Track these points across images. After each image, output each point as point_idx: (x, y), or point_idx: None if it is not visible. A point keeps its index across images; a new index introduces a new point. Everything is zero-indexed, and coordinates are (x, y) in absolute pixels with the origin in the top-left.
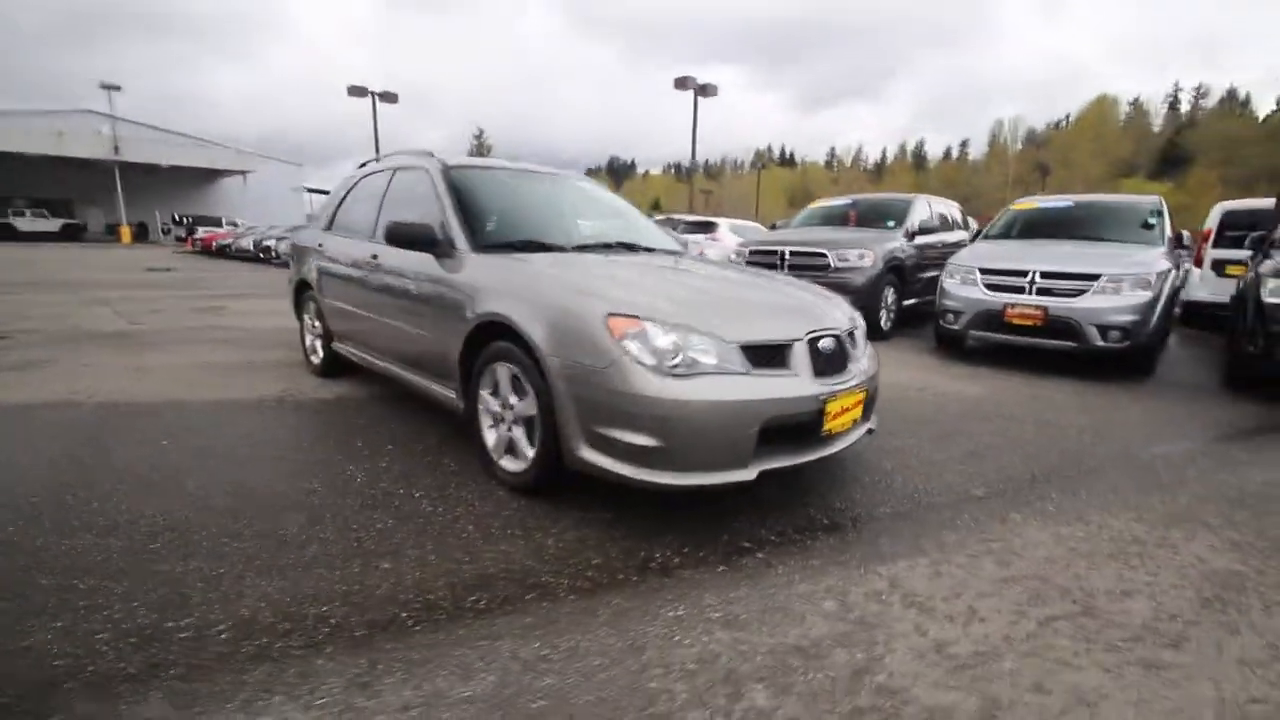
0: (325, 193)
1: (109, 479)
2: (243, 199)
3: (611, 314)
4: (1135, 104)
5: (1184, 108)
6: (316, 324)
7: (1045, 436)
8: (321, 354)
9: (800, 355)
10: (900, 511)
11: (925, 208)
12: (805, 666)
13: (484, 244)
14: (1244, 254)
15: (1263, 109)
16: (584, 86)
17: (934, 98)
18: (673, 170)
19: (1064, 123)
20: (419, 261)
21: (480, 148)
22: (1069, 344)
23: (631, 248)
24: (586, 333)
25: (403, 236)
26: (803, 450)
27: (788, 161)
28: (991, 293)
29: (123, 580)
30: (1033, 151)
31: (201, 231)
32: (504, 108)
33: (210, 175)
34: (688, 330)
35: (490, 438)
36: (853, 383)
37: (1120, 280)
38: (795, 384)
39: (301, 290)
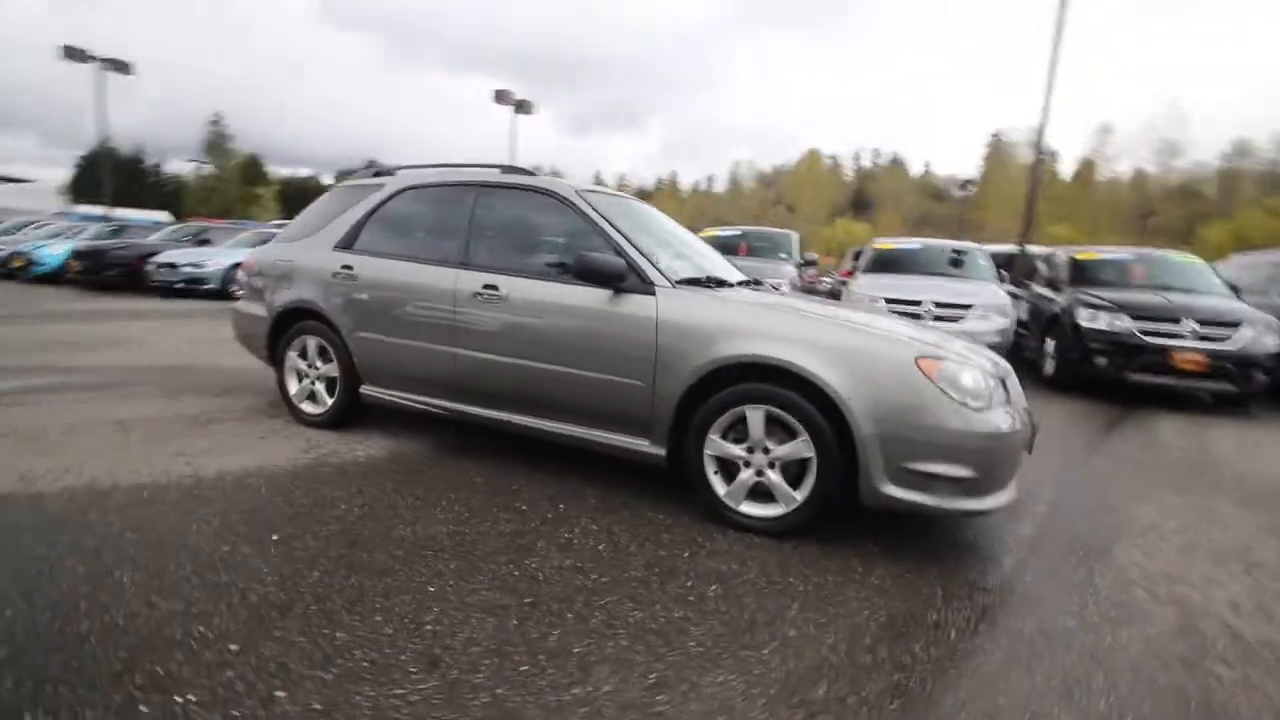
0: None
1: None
2: None
3: (921, 356)
4: (834, 158)
5: (865, 163)
6: (319, 365)
7: None
8: (331, 401)
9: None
10: None
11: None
12: None
13: (679, 279)
14: None
15: (914, 169)
16: (338, 82)
17: (683, 134)
18: None
19: (784, 167)
20: (585, 297)
21: (218, 136)
22: None
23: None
24: (899, 374)
25: (593, 271)
26: None
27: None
28: None
29: None
30: (763, 190)
31: None
32: (245, 93)
33: None
34: (977, 367)
35: (721, 484)
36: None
37: (989, 308)
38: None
39: (286, 325)
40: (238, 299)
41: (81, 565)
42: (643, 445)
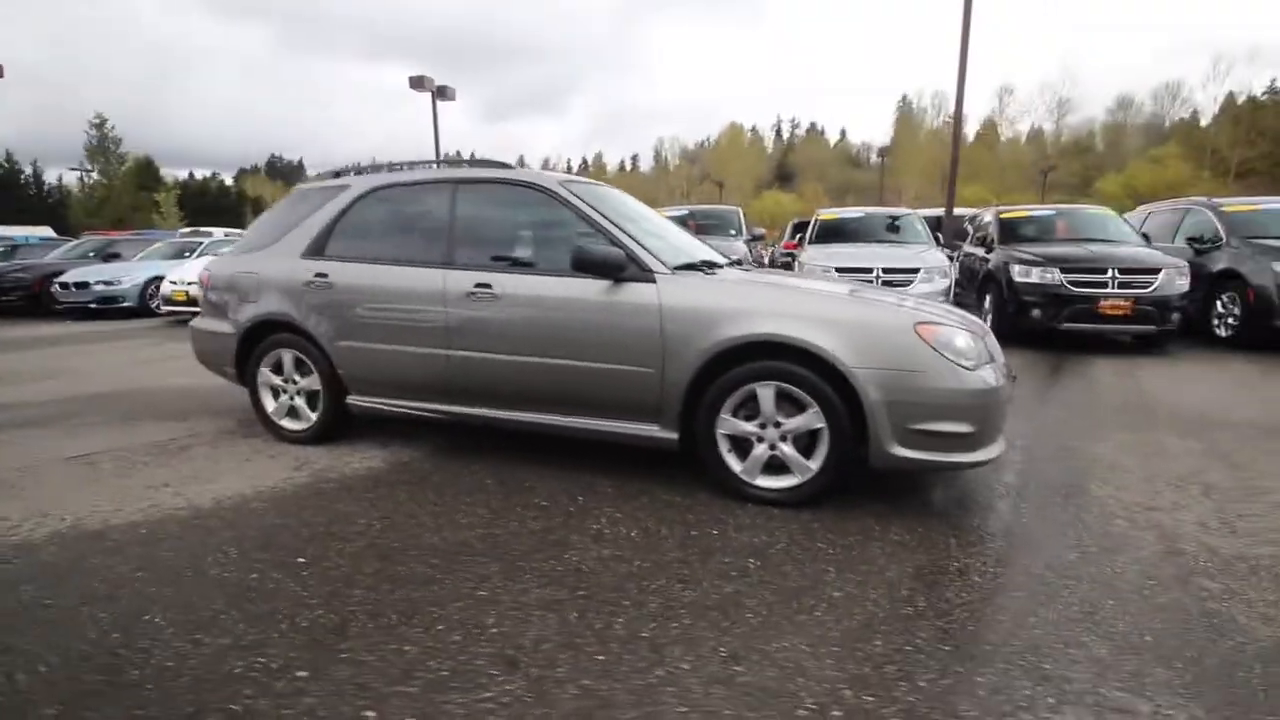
0: None
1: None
2: None
3: (919, 322)
4: (754, 131)
5: (785, 135)
6: (298, 379)
7: None
8: (316, 415)
9: None
10: None
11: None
12: None
13: (675, 264)
14: None
15: (832, 138)
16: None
17: (607, 114)
18: None
19: (707, 143)
20: (583, 289)
21: (103, 140)
22: None
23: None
24: (900, 342)
25: (593, 262)
26: None
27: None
28: None
29: None
30: (687, 167)
31: None
32: (132, 93)
33: None
34: (966, 328)
35: (735, 461)
36: None
37: (932, 270)
38: None
39: (256, 339)
40: (193, 315)
41: (102, 612)
42: (653, 431)
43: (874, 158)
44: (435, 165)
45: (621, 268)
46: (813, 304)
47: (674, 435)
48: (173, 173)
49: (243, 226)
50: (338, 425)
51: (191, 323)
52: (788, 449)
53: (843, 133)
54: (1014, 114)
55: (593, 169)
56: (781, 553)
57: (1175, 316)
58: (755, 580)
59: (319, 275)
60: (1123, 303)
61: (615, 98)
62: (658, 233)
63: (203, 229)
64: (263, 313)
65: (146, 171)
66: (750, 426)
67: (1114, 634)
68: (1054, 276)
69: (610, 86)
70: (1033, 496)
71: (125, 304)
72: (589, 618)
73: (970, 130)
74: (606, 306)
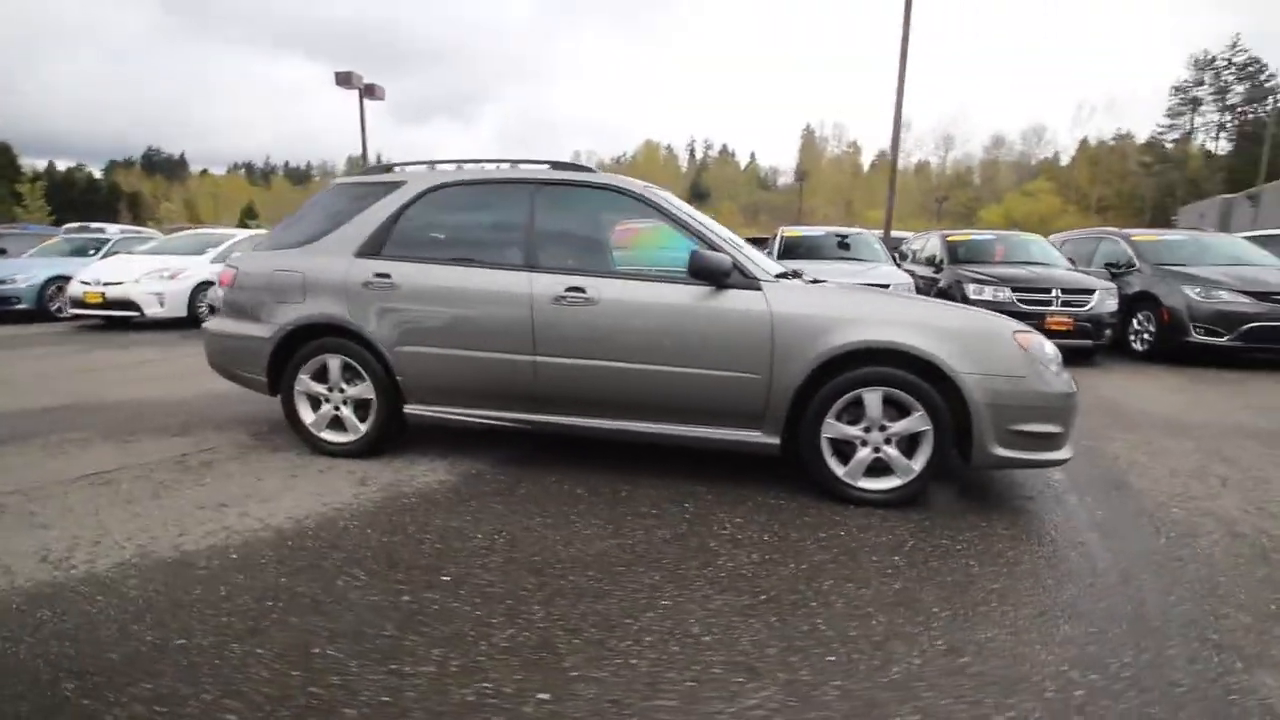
0: None
1: None
2: None
3: (1017, 331)
4: (670, 149)
5: (699, 155)
6: (345, 387)
7: None
8: (366, 426)
9: None
10: None
11: None
12: None
13: (776, 272)
14: None
15: (742, 160)
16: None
17: (520, 124)
18: (243, 170)
19: (624, 158)
20: (685, 295)
21: None
22: None
23: None
24: (1001, 348)
25: (707, 269)
26: None
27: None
28: None
29: None
30: None
31: None
32: None
33: None
34: (1044, 338)
35: (837, 465)
36: None
37: (900, 286)
38: None
39: (295, 345)
40: (208, 318)
41: (259, 648)
42: (755, 436)
43: (781, 180)
44: (497, 166)
45: (728, 274)
46: (918, 312)
47: (776, 440)
48: (31, 162)
49: (117, 222)
50: (388, 437)
51: (207, 325)
52: (892, 451)
53: (752, 155)
54: (910, 147)
55: None
56: (917, 550)
57: (1108, 332)
58: (914, 576)
59: (379, 276)
60: (1065, 319)
61: (529, 108)
62: (736, 240)
63: (93, 224)
64: (308, 315)
65: (2, 158)
66: (855, 430)
67: (1245, 604)
68: (1005, 295)
69: (524, 96)
70: (1089, 491)
71: (20, 305)
72: (788, 621)
73: (866, 160)
74: (712, 312)
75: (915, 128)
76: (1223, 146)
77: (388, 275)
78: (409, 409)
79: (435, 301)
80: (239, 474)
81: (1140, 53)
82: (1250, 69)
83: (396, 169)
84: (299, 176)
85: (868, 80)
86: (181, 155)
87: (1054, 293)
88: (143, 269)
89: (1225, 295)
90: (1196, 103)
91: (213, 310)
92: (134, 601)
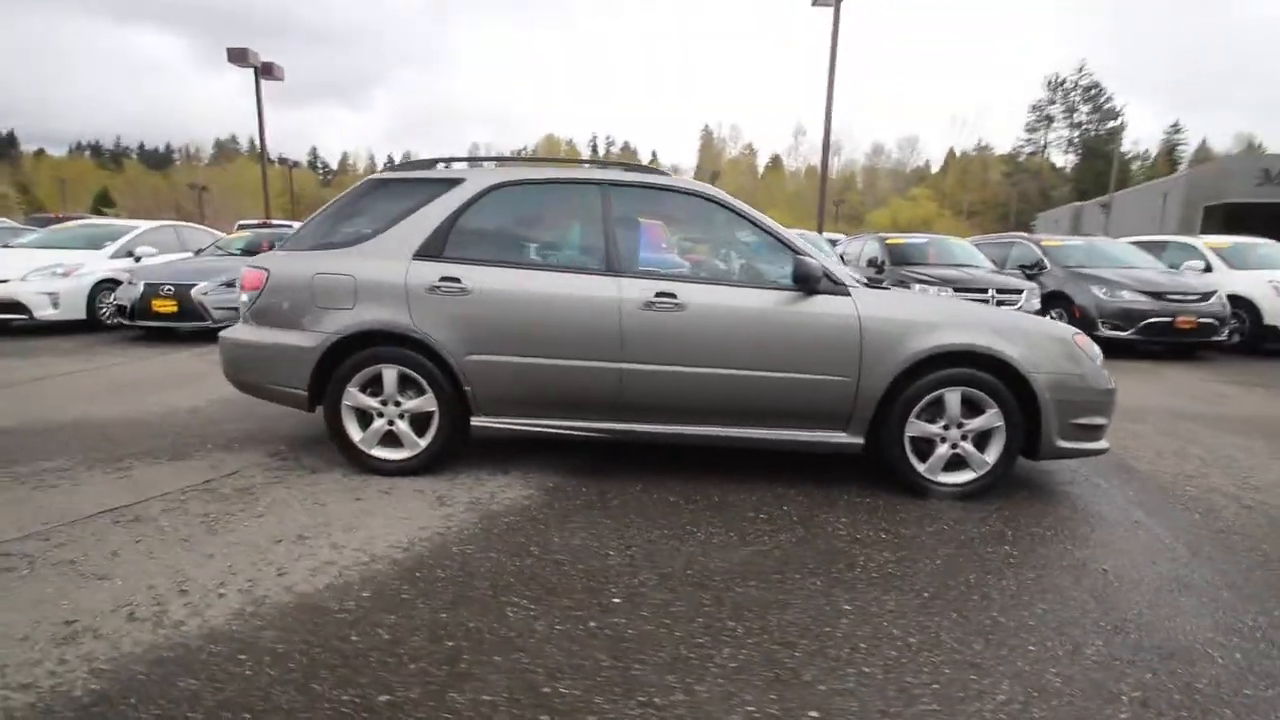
0: None
1: None
2: None
3: (1075, 334)
4: (571, 144)
5: (601, 152)
6: (401, 400)
7: None
8: (426, 441)
9: None
10: None
11: None
12: None
13: (867, 280)
14: None
15: (644, 158)
16: None
17: (415, 111)
18: (88, 152)
19: (525, 151)
20: (774, 300)
21: None
22: None
23: None
24: (1065, 350)
25: (809, 275)
26: None
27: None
28: None
29: None
30: None
31: None
32: None
33: None
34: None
35: (918, 461)
36: None
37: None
38: None
39: (341, 355)
40: (223, 325)
41: (485, 694)
42: (840, 437)
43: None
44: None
45: (819, 280)
46: (993, 316)
47: (860, 440)
48: None
49: None
50: (448, 453)
51: (227, 334)
52: (969, 447)
53: (654, 154)
54: (806, 152)
55: None
56: (1017, 539)
57: None
58: (1034, 564)
59: (447, 280)
60: None
61: (424, 95)
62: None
63: None
64: (362, 322)
65: None
66: (935, 428)
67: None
68: (948, 294)
69: (419, 82)
70: (1104, 475)
71: None
72: (970, 615)
73: (760, 163)
74: (803, 317)
75: (810, 135)
76: (1070, 160)
77: (456, 279)
78: (477, 421)
79: (514, 307)
80: (294, 501)
81: (1008, 71)
82: (1093, 92)
83: (440, 165)
84: (157, 160)
85: (762, 84)
86: (10, 133)
87: (990, 293)
88: (27, 265)
89: (1127, 295)
90: (1050, 120)
91: (205, 313)
92: (290, 657)
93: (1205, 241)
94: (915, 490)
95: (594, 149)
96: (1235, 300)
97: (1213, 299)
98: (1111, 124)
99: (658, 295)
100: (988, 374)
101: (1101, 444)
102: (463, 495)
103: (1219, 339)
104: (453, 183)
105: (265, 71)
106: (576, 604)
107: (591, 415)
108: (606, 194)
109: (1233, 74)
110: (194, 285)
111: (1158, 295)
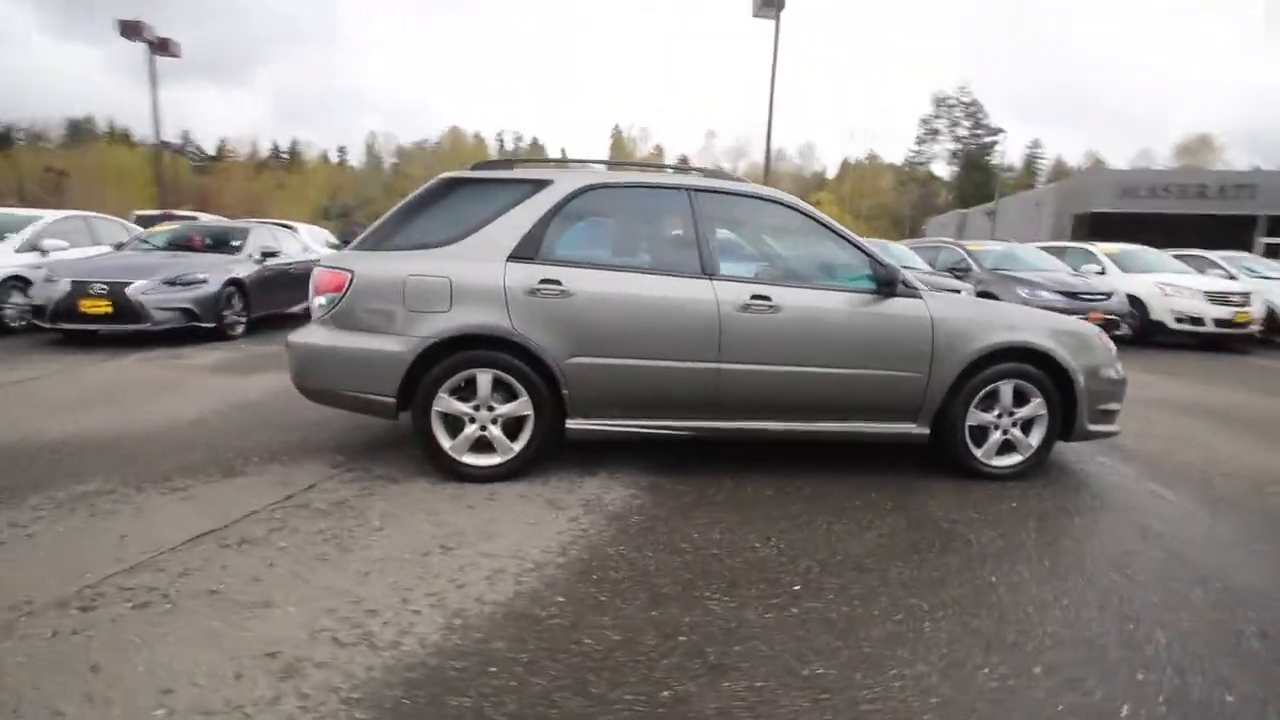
0: None
1: None
2: None
3: (1099, 333)
4: (478, 137)
5: (509, 147)
6: (495, 405)
7: None
8: (520, 446)
9: None
10: None
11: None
12: None
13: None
14: None
15: (553, 156)
16: None
17: (303, 95)
18: None
19: (426, 144)
20: (855, 302)
21: None
22: None
23: None
24: (1094, 344)
25: (887, 279)
26: None
27: (122, 139)
28: None
29: None
30: (406, 165)
31: None
32: None
33: None
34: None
35: (975, 449)
36: None
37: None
38: None
39: (437, 358)
40: (297, 331)
41: (750, 680)
42: (910, 428)
43: None
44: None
45: (898, 284)
46: (1037, 317)
47: (927, 430)
48: None
49: None
50: (541, 457)
51: (299, 338)
52: (1018, 433)
53: (563, 152)
54: (717, 155)
55: (289, 157)
56: (1078, 509)
57: None
58: (1102, 531)
59: (547, 282)
60: None
61: (314, 78)
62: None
63: None
64: (460, 325)
65: None
66: (989, 416)
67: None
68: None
69: (308, 63)
70: (1109, 456)
71: None
72: (1095, 578)
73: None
74: (882, 318)
75: (720, 138)
76: (953, 170)
77: (557, 281)
78: (573, 424)
79: (615, 309)
80: (403, 513)
81: (905, 88)
82: (973, 109)
83: (518, 166)
84: None
85: (671, 87)
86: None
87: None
88: None
89: (1046, 294)
90: (936, 133)
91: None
92: (540, 664)
93: (1099, 248)
94: (971, 474)
95: (501, 144)
96: (1129, 299)
97: (1114, 298)
98: (990, 139)
99: (753, 298)
100: (1034, 368)
101: (1116, 426)
102: (570, 499)
103: (1120, 334)
104: (540, 184)
105: (161, 48)
106: (765, 593)
107: (686, 414)
108: (693, 198)
109: (1082, 97)
110: (129, 283)
111: (1072, 295)
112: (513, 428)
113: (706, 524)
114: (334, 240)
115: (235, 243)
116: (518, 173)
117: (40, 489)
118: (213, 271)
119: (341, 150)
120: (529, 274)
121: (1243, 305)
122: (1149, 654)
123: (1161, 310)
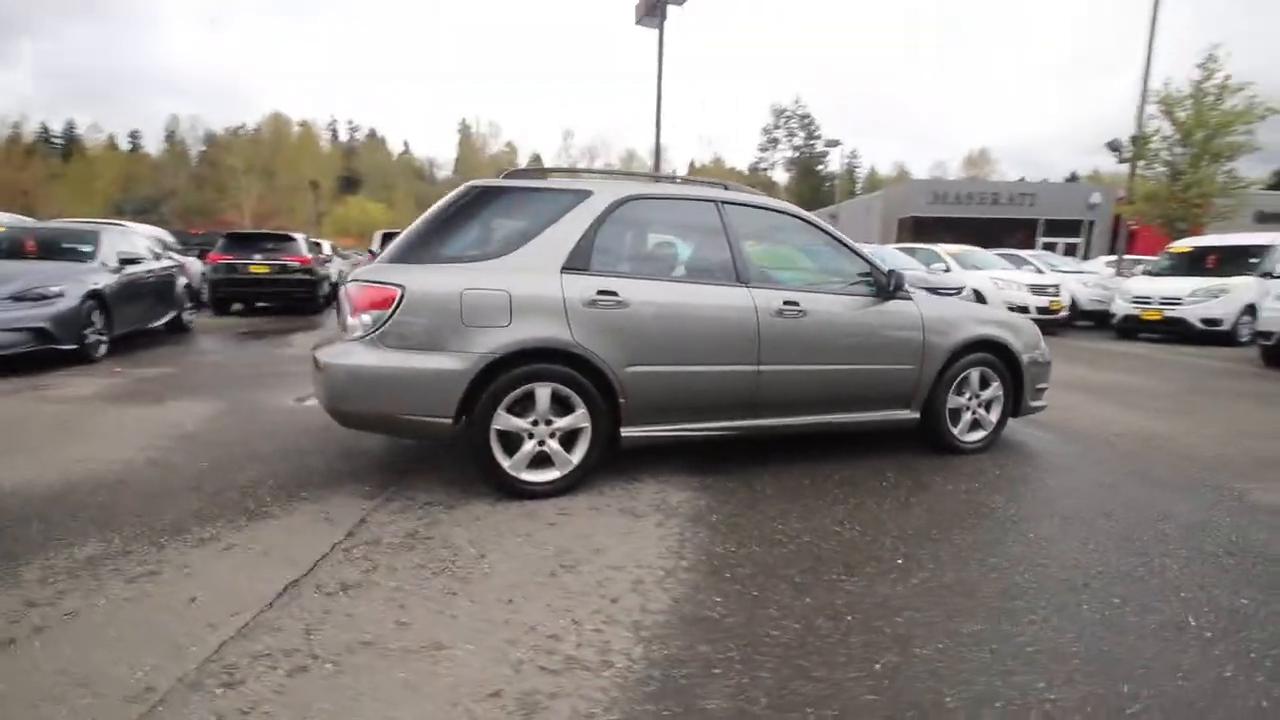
0: None
1: None
2: None
3: (1034, 321)
4: (305, 125)
5: (345, 138)
6: (554, 419)
7: None
8: (578, 458)
9: None
10: None
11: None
12: None
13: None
14: None
15: (395, 149)
16: None
17: (81, 73)
18: None
19: (244, 131)
20: (864, 304)
21: None
22: None
23: None
24: (1035, 335)
25: (890, 285)
26: None
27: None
28: None
29: None
30: (216, 153)
31: None
32: None
33: None
34: None
35: (952, 428)
36: None
37: None
38: None
39: (497, 373)
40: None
41: (955, 649)
42: (904, 414)
43: (440, 174)
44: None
45: (895, 288)
46: (993, 314)
47: (918, 415)
48: None
49: None
50: (593, 469)
51: (336, 359)
52: (983, 412)
53: (406, 145)
54: (575, 156)
55: (65, 142)
56: (1048, 470)
57: None
58: (1078, 483)
59: (604, 293)
60: None
61: (95, 54)
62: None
63: None
64: (522, 339)
65: None
66: (963, 399)
67: (1209, 464)
68: None
69: (86, 38)
70: (1040, 429)
71: None
72: (1098, 525)
73: (522, 162)
74: (885, 318)
75: (578, 138)
76: (788, 177)
77: (614, 292)
78: (627, 432)
79: (669, 318)
80: (494, 539)
81: (750, 98)
82: (806, 120)
83: (553, 174)
84: None
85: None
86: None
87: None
88: None
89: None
90: (776, 141)
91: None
92: (754, 660)
93: (943, 249)
94: (950, 450)
95: (334, 134)
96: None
97: (964, 291)
98: (824, 148)
99: (785, 304)
100: (994, 356)
101: (1044, 403)
102: (641, 506)
103: None
104: (581, 195)
105: None
106: (880, 570)
107: (729, 415)
108: (722, 210)
109: (889, 111)
110: None
111: (933, 290)
112: (566, 441)
113: (778, 515)
114: (170, 240)
115: (84, 248)
116: (553, 182)
117: (26, 559)
118: (67, 283)
119: (134, 136)
120: (586, 285)
121: (1056, 295)
122: (1140, 543)
123: (996, 301)
